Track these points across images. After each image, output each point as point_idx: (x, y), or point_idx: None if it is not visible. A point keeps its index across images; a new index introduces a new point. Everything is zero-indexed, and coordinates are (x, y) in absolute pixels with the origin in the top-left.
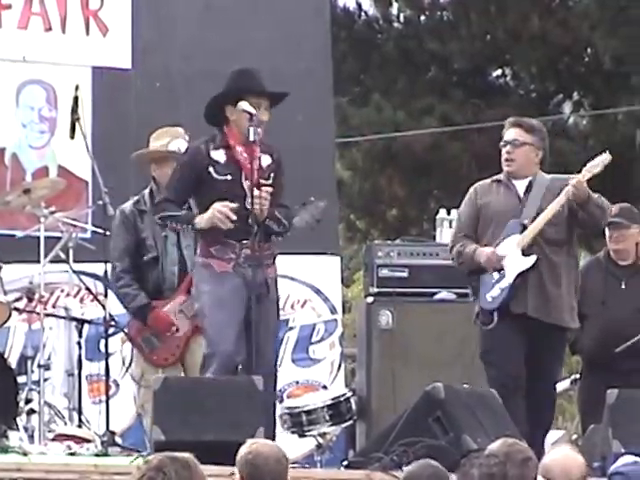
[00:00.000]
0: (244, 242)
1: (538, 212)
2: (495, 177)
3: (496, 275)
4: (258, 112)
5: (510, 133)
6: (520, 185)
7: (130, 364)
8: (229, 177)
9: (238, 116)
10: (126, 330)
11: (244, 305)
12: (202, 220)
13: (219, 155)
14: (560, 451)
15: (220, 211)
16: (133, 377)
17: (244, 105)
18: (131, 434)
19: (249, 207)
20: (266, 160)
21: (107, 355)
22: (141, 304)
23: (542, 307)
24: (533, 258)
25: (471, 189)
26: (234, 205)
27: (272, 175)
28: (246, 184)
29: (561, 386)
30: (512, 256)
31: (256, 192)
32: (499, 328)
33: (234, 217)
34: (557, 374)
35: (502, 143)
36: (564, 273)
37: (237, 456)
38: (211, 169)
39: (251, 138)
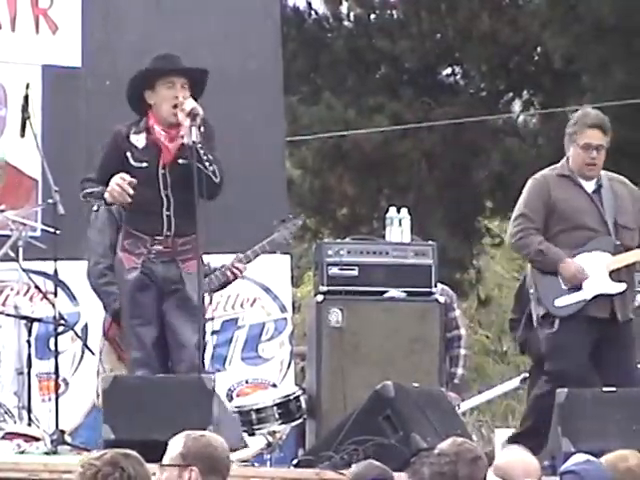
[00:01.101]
0: (157, 237)
1: (615, 219)
2: (557, 170)
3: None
4: (175, 91)
5: (596, 136)
6: (587, 184)
7: (80, 363)
8: (144, 164)
9: (157, 100)
10: (103, 324)
11: (154, 302)
12: (107, 196)
13: (139, 139)
14: (515, 452)
15: (117, 184)
16: (104, 369)
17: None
18: (81, 433)
19: (163, 198)
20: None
21: (57, 353)
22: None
23: (622, 309)
24: (623, 286)
25: (537, 180)
26: (131, 179)
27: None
28: (162, 172)
29: (510, 385)
30: (597, 275)
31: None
32: (563, 333)
33: (131, 191)
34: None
35: (584, 145)
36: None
37: (183, 451)
38: (129, 154)
39: (193, 138)
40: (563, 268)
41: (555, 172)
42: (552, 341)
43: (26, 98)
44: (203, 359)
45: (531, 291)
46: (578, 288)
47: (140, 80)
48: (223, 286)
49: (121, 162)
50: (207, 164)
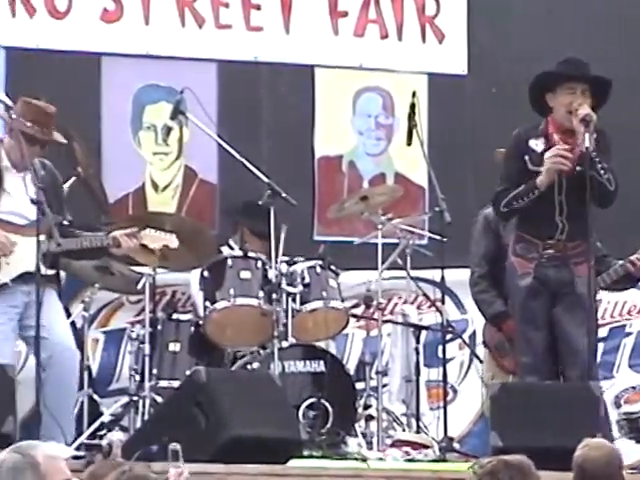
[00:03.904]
0: (549, 241)
1: None
2: None
3: None
4: (574, 97)
5: None
6: None
7: (468, 370)
8: (542, 169)
9: (556, 104)
10: (483, 332)
11: (545, 308)
12: (542, 178)
13: (537, 144)
14: None
15: (554, 155)
16: (482, 379)
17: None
18: (469, 440)
19: (557, 204)
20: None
21: (444, 361)
22: (496, 312)
23: None
24: None
25: None
26: (564, 146)
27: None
28: (558, 179)
29: None
30: None
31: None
32: None
33: (569, 154)
34: None
35: None
36: None
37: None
38: (526, 157)
39: (586, 144)
40: None
41: None
42: None
43: (413, 107)
44: (594, 364)
45: None
46: None
47: (542, 82)
48: (627, 280)
49: (520, 165)
50: (602, 172)
